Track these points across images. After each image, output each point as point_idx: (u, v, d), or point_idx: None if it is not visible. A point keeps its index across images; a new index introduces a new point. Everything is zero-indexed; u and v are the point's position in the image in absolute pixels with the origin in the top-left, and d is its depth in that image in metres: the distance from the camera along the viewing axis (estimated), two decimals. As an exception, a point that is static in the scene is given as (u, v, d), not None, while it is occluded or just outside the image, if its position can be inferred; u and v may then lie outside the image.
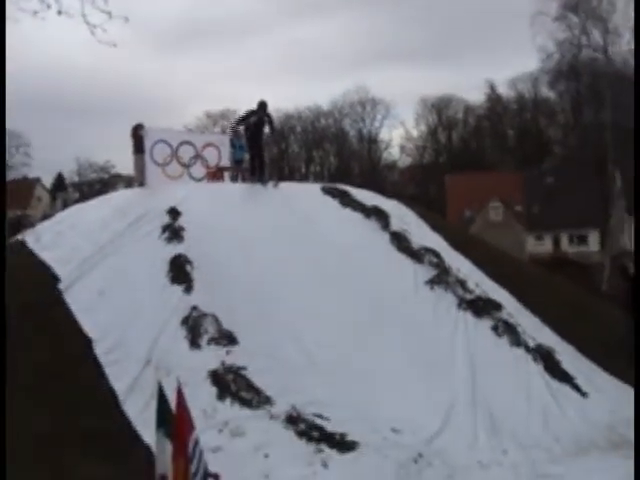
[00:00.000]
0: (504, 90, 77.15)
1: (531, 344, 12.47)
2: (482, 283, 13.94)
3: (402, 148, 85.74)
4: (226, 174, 18.55)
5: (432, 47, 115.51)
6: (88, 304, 11.66)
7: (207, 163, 18.16)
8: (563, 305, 14.43)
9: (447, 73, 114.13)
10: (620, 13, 44.34)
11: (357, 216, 15.46)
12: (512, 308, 13.41)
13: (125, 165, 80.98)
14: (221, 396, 9.98)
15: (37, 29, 46.52)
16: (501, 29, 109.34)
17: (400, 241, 14.71)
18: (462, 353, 12.02)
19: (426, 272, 13.84)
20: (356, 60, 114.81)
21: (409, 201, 20.46)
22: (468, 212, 64.01)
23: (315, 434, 9.42)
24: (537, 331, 12.97)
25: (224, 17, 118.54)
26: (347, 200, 16.02)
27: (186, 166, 17.78)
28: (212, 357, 10.66)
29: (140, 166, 17.09)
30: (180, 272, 12.40)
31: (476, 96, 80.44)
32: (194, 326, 11.21)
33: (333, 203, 15.86)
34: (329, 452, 9.13)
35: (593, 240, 59.93)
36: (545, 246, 59.79)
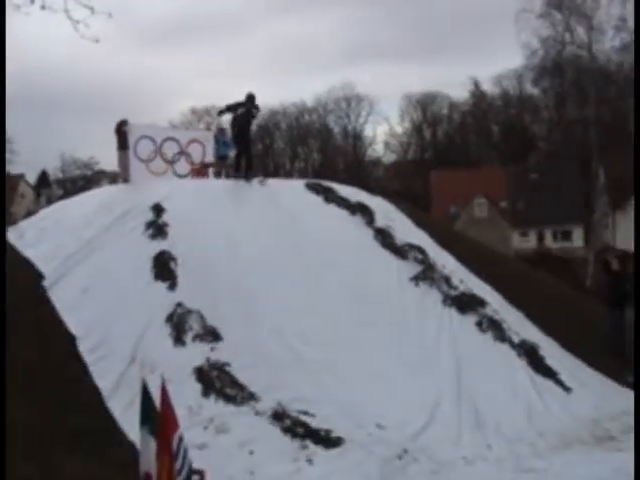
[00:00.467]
0: (489, 87, 77.35)
1: (515, 340, 12.52)
2: (467, 279, 13.99)
3: (386, 144, 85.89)
4: (210, 170, 18.46)
5: (417, 44, 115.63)
6: (72, 302, 11.60)
7: (191, 159, 17.97)
8: (547, 301, 14.52)
9: (432, 69, 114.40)
10: (604, 10, 44.54)
11: (342, 212, 15.42)
12: (497, 304, 13.46)
13: (109, 161, 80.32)
14: (206, 393, 9.96)
15: (20, 24, 46.35)
16: (486, 26, 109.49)
17: (385, 237, 14.70)
18: (447, 349, 12.06)
19: (411, 268, 13.86)
20: (341, 57, 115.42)
21: (394, 197, 20.51)
22: (453, 208, 64.04)
23: (300, 430, 9.43)
24: (521, 327, 13.03)
25: (210, 13, 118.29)
26: (331, 196, 15.97)
27: (170, 162, 17.59)
28: (197, 354, 10.64)
29: (124, 162, 16.95)
30: (164, 269, 12.35)
31: (461, 93, 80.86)
32: (179, 323, 11.18)
33: (317, 199, 15.81)
34: (314, 448, 9.14)
35: (577, 236, 60.23)
36: (530, 242, 59.91)
